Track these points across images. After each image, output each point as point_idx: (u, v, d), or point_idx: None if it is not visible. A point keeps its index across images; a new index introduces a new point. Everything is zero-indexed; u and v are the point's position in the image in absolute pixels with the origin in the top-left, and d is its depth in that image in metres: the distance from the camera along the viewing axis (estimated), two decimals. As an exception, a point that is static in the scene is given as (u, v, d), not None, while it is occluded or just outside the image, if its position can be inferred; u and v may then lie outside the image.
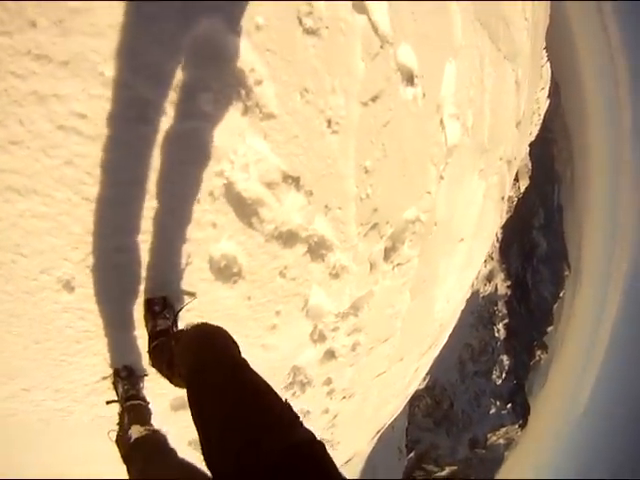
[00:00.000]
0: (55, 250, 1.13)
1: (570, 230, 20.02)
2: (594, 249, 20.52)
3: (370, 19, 1.67)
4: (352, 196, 1.89)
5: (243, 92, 1.27)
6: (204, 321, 1.16)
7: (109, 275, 1.26)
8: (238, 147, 1.33)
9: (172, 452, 1.17)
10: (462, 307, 5.27)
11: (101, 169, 1.09)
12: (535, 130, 13.48)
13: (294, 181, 1.55)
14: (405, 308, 3.04)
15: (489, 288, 17.03)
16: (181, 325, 1.41)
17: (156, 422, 1.39)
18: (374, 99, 1.78)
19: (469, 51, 2.61)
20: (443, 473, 15.75)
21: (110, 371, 1.46)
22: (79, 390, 1.45)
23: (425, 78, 2.14)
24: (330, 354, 2.51)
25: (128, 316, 1.38)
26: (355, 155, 1.79)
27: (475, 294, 15.60)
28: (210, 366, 0.90)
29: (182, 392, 1.04)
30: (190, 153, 1.24)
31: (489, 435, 16.87)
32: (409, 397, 5.81)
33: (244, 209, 1.46)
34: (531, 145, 12.59)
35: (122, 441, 1.28)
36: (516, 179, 14.96)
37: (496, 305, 17.25)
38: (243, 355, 0.95)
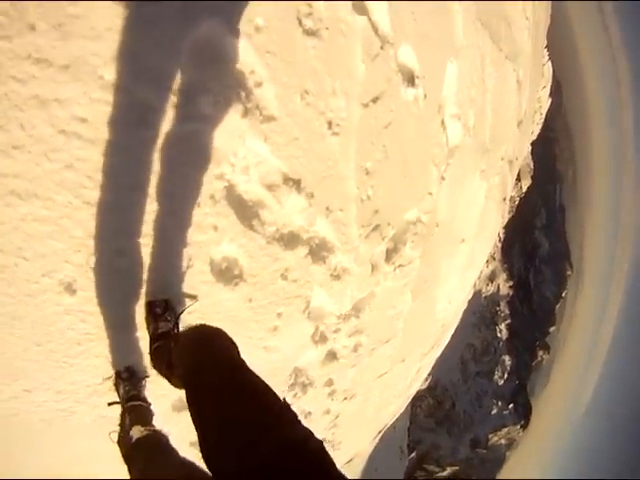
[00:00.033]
0: (57, 253, 1.14)
1: (572, 230, 19.96)
2: (596, 249, 20.46)
3: (370, 20, 1.67)
4: (353, 198, 1.89)
5: (243, 94, 1.27)
6: (203, 322, 1.16)
7: (110, 278, 1.26)
8: (238, 149, 1.33)
9: (173, 452, 1.17)
10: (464, 307, 5.26)
11: (102, 173, 1.09)
12: (537, 129, 13.44)
13: (295, 183, 1.55)
14: (407, 309, 3.04)
15: (491, 288, 16.99)
16: (182, 327, 1.41)
17: (158, 423, 1.40)
18: (375, 100, 1.78)
19: (470, 51, 2.60)
20: (444, 473, 15.73)
21: (112, 372, 1.46)
22: (81, 391, 1.45)
23: (426, 79, 2.13)
24: (332, 355, 2.51)
25: (129, 318, 1.38)
26: (356, 157, 1.79)
27: (477, 294, 15.57)
28: (207, 367, 0.90)
29: (183, 393, 1.05)
30: (190, 156, 1.25)
31: (490, 435, 16.84)
32: (411, 397, 5.80)
33: (245, 211, 1.46)
34: (533, 144, 12.55)
35: (123, 441, 1.29)
36: (518, 179, 14.92)
37: (498, 305, 17.22)
38: (242, 356, 0.94)
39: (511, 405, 17.11)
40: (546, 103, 13.57)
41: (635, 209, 19.46)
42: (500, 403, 16.86)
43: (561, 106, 17.82)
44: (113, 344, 1.41)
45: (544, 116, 13.87)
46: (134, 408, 1.38)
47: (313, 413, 2.76)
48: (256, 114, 1.32)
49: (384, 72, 1.80)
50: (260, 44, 1.27)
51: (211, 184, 1.32)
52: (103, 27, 0.98)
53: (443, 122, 2.50)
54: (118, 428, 1.36)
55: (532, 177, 16.37)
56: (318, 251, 1.87)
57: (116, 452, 1.28)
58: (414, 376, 4.63)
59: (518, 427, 17.45)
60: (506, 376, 17.06)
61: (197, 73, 1.16)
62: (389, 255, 2.45)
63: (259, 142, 1.37)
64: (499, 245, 16.43)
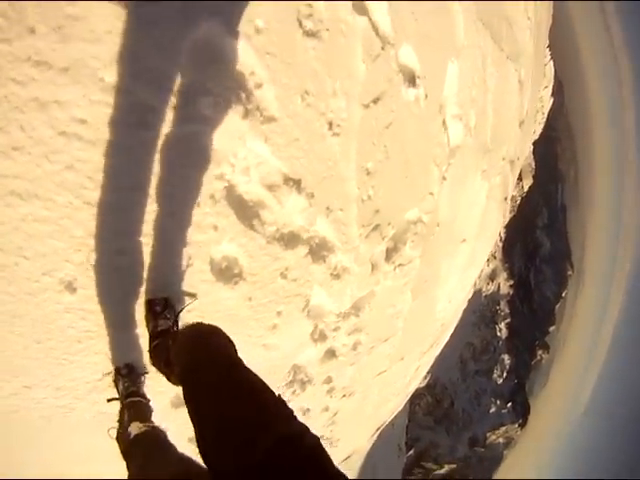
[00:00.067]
0: (57, 252, 1.14)
1: (573, 230, 19.93)
2: (597, 249, 20.43)
3: (371, 20, 1.67)
4: (354, 198, 1.90)
5: (243, 95, 1.27)
6: (200, 321, 1.16)
7: (111, 276, 1.27)
8: (238, 150, 1.33)
9: (171, 448, 1.18)
10: (464, 306, 5.27)
11: (102, 174, 1.10)
12: (539, 129, 13.40)
13: (295, 183, 1.56)
14: (406, 308, 3.05)
15: (492, 287, 16.99)
16: (181, 325, 1.42)
17: (156, 419, 1.41)
18: (375, 101, 1.78)
19: (471, 51, 2.60)
20: (442, 471, 15.80)
21: (111, 368, 1.47)
22: (80, 388, 1.47)
23: (427, 79, 2.13)
24: (331, 353, 2.52)
25: (129, 316, 1.39)
26: (357, 157, 1.79)
27: (477, 293, 15.57)
28: (204, 365, 0.91)
29: (181, 390, 1.06)
30: (190, 157, 1.25)
31: (489, 434, 16.89)
32: (409, 395, 5.83)
33: (245, 211, 1.46)
34: (535, 144, 12.52)
35: (122, 438, 1.30)
36: (519, 178, 14.89)
37: (498, 304, 17.22)
38: (240, 354, 0.95)
39: (510, 404, 17.14)
40: (548, 103, 13.52)
41: (637, 209, 19.41)
42: (499, 402, 16.89)
43: (563, 106, 17.76)
44: (113, 341, 1.42)
45: (546, 116, 13.82)
46: (133, 404, 1.39)
47: (312, 410, 2.78)
48: (256, 115, 1.32)
49: (385, 72, 1.79)
50: (260, 45, 1.27)
51: (211, 184, 1.33)
52: (102, 29, 0.98)
53: (444, 122, 2.50)
54: (117, 424, 1.37)
55: (534, 177, 16.33)
56: (318, 250, 1.88)
57: (115, 448, 1.29)
58: (413, 374, 4.64)
59: (516, 426, 17.50)
60: (505, 375, 17.09)
61: (197, 74, 1.16)
62: (389, 254, 2.46)
63: (259, 143, 1.37)
64: (500, 244, 16.42)
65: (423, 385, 12.68)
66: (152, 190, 1.20)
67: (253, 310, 1.75)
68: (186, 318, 1.47)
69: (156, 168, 1.18)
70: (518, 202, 15.71)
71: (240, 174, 1.37)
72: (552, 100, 13.78)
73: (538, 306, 19.26)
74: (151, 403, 1.46)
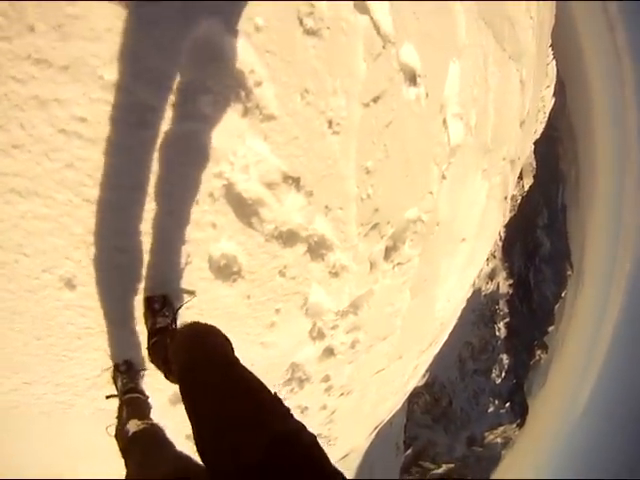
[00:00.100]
0: (57, 250, 1.15)
1: (574, 230, 19.92)
2: (597, 250, 20.43)
3: (372, 19, 1.66)
4: (353, 196, 1.90)
5: (243, 94, 1.27)
6: (198, 320, 1.17)
7: (110, 274, 1.28)
8: (238, 148, 1.33)
9: (170, 445, 1.19)
10: (463, 306, 5.28)
11: (102, 172, 1.10)
12: (540, 128, 13.36)
13: (294, 182, 1.56)
14: (405, 307, 3.06)
15: (491, 286, 17.00)
16: (180, 323, 1.43)
17: (154, 416, 1.42)
18: (376, 100, 1.78)
19: (473, 50, 2.59)
20: (440, 470, 15.85)
21: (110, 364, 1.48)
22: (80, 384, 1.47)
23: (428, 78, 2.13)
24: (329, 351, 2.53)
25: (128, 313, 1.40)
26: (356, 156, 1.79)
27: (477, 292, 15.58)
28: (201, 364, 0.91)
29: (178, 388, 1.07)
30: (190, 155, 1.25)
31: (486, 434, 16.93)
32: (408, 394, 5.84)
33: (244, 209, 1.47)
34: (536, 143, 12.49)
35: (120, 435, 1.30)
36: (520, 177, 14.87)
37: (497, 304, 17.24)
38: (237, 352, 0.96)
39: (508, 404, 17.18)
40: (550, 102, 13.47)
41: (637, 210, 19.39)
42: (497, 401, 16.93)
43: (565, 106, 17.72)
44: (112, 338, 1.42)
45: (548, 115, 13.77)
46: (132, 400, 1.40)
47: (310, 408, 2.78)
48: (256, 113, 1.32)
49: (385, 71, 1.79)
50: (260, 43, 1.26)
51: (210, 182, 1.33)
52: (102, 28, 0.98)
53: (445, 121, 2.49)
54: (115, 422, 1.37)
55: (535, 176, 16.30)
56: (317, 249, 1.88)
57: (113, 445, 1.30)
58: (411, 373, 4.66)
59: (514, 426, 17.54)
60: (504, 375, 17.12)
61: (196, 73, 1.16)
62: (388, 253, 2.46)
63: (259, 141, 1.37)
64: (500, 243, 16.42)
65: (421, 384, 12.71)
66: (151, 188, 1.20)
67: (251, 308, 1.75)
68: (185, 315, 1.48)
69: (155, 166, 1.18)
70: (518, 201, 15.69)
71: (239, 172, 1.38)
72: (554, 100, 13.74)
73: (537, 306, 19.28)
74: (150, 400, 1.47)
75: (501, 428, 17.17)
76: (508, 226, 14.39)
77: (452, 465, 16.09)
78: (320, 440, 0.70)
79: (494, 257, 16.45)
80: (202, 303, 1.55)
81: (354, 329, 2.57)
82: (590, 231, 20.25)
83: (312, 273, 1.93)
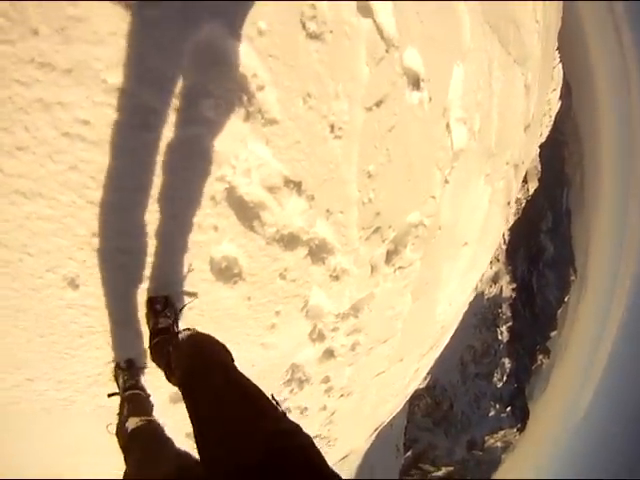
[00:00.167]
0: (60, 250, 1.16)
1: (578, 235, 19.80)
2: (601, 255, 20.28)
3: (375, 22, 1.66)
4: (354, 200, 1.90)
5: (245, 98, 1.28)
6: (199, 331, 1.22)
7: (113, 274, 1.29)
8: (240, 152, 1.34)
9: (169, 441, 1.21)
10: (464, 309, 5.27)
11: (105, 174, 1.12)
12: (546, 131, 13.29)
13: (296, 186, 1.57)
14: (406, 310, 3.06)
15: (494, 290, 16.93)
16: (182, 323, 1.45)
17: (155, 414, 1.43)
18: (378, 104, 1.78)
19: (477, 54, 2.59)
20: (439, 473, 15.80)
21: (112, 362, 1.50)
22: (81, 381, 1.49)
23: (432, 82, 2.13)
24: (329, 353, 2.54)
25: (130, 313, 1.42)
26: (358, 160, 1.80)
27: (480, 296, 15.51)
28: (201, 371, 0.96)
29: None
30: (192, 159, 1.26)
31: (487, 437, 16.86)
32: (408, 397, 5.83)
33: (246, 213, 1.48)
34: (541, 147, 12.43)
35: (120, 433, 1.32)
36: (525, 181, 14.79)
37: (500, 307, 17.16)
38: (238, 352, 1.00)
39: (509, 408, 17.10)
40: (556, 106, 13.40)
41: (643, 216, 19.24)
42: (498, 405, 16.85)
43: (571, 109, 17.61)
44: (114, 337, 1.44)
45: (553, 118, 13.70)
46: (132, 397, 1.42)
47: (309, 409, 2.79)
48: (258, 117, 1.33)
49: (388, 75, 1.79)
50: (263, 47, 1.27)
51: (212, 186, 1.34)
52: (105, 31, 0.99)
53: (448, 125, 2.49)
54: (116, 419, 1.39)
55: (539, 180, 16.22)
56: (318, 252, 1.89)
57: (113, 442, 1.31)
58: (412, 376, 4.65)
59: (515, 430, 17.45)
60: (505, 379, 17.04)
61: (199, 76, 1.17)
62: (389, 257, 2.47)
63: (261, 145, 1.38)
64: (503, 247, 16.35)
65: (423, 386, 12.69)
66: (154, 191, 1.22)
67: (252, 309, 1.76)
68: (186, 316, 1.50)
69: (158, 169, 1.19)
70: (523, 205, 15.62)
71: (241, 176, 1.39)
72: (560, 103, 13.66)
73: (540, 310, 19.17)
74: (151, 398, 1.49)
75: (501, 432, 17.10)
76: (512, 230, 14.34)
77: (452, 468, 16.03)
78: (320, 441, 0.71)
79: (497, 261, 16.38)
80: (203, 304, 1.56)
81: (354, 331, 2.57)
82: (594, 236, 20.12)
83: (313, 276, 1.94)
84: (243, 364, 1.47)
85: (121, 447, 1.28)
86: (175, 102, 1.15)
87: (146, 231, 1.27)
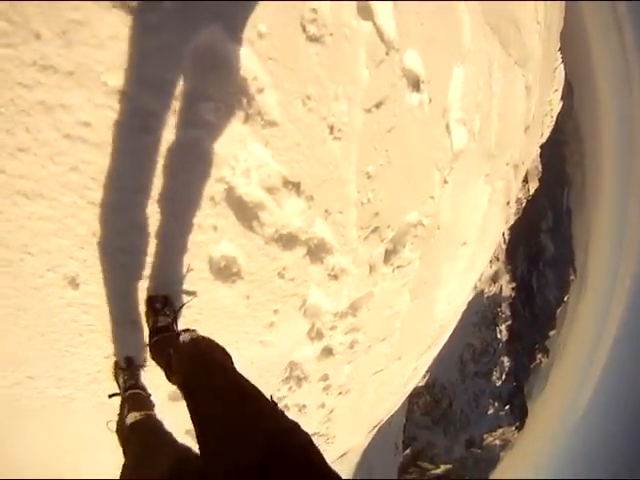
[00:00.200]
0: (61, 250, 1.18)
1: (578, 234, 19.79)
2: (601, 254, 20.28)
3: (375, 25, 1.66)
4: (353, 201, 1.91)
5: (245, 100, 1.29)
6: (200, 334, 1.23)
7: (113, 273, 1.31)
8: (239, 154, 1.35)
9: (167, 435, 1.22)
10: (463, 309, 5.29)
11: (105, 175, 1.13)
12: (547, 131, 13.25)
13: (295, 186, 1.58)
14: (405, 309, 3.07)
15: (494, 289, 16.94)
16: (181, 322, 1.46)
17: (155, 412, 1.45)
18: (378, 105, 1.79)
19: (478, 56, 2.59)
20: (438, 471, 15.87)
21: (112, 359, 1.52)
22: (81, 379, 1.51)
23: (432, 83, 2.13)
24: (327, 351, 2.55)
25: (130, 312, 1.43)
26: (357, 161, 1.81)
27: (479, 294, 15.53)
28: (202, 372, 0.98)
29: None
30: (192, 160, 1.28)
31: (485, 436, 16.92)
32: (407, 395, 5.86)
33: (245, 213, 1.49)
34: (542, 147, 12.39)
35: (120, 429, 1.34)
36: (525, 181, 14.76)
37: (500, 306, 17.18)
38: (235, 351, 1.02)
39: (508, 406, 17.15)
40: (557, 106, 13.35)
41: (643, 216, 19.22)
42: (497, 404, 16.91)
43: (572, 109, 17.56)
44: (114, 335, 1.46)
45: (555, 119, 13.65)
46: (133, 396, 1.44)
47: (308, 406, 2.81)
48: (257, 120, 1.34)
49: (388, 77, 1.80)
50: (263, 50, 1.28)
51: (212, 186, 1.35)
52: (106, 34, 1.00)
53: (448, 127, 2.50)
54: (116, 419, 1.41)
55: (540, 179, 16.18)
56: (316, 252, 1.90)
57: (113, 439, 1.33)
58: (411, 374, 4.67)
59: (513, 429, 17.52)
60: (504, 377, 17.08)
61: (199, 79, 1.18)
62: (388, 256, 2.48)
63: (260, 147, 1.39)
64: (503, 246, 16.35)
65: (422, 384, 12.71)
66: (154, 191, 1.23)
67: (251, 308, 1.78)
68: (185, 315, 1.51)
69: (158, 171, 1.21)
70: (523, 204, 15.59)
71: (240, 176, 1.40)
72: (561, 103, 13.62)
73: (539, 310, 19.20)
74: (152, 397, 1.50)
75: (500, 430, 17.16)
76: (512, 229, 14.34)
77: (450, 466, 16.10)
78: (318, 438, 0.73)
79: (497, 260, 16.38)
80: (202, 303, 1.58)
81: (353, 330, 2.59)
82: (594, 235, 20.11)
83: (311, 275, 1.96)
84: (242, 362, 1.50)
85: (121, 444, 1.30)
86: (175, 105, 1.16)
87: (146, 231, 1.29)
